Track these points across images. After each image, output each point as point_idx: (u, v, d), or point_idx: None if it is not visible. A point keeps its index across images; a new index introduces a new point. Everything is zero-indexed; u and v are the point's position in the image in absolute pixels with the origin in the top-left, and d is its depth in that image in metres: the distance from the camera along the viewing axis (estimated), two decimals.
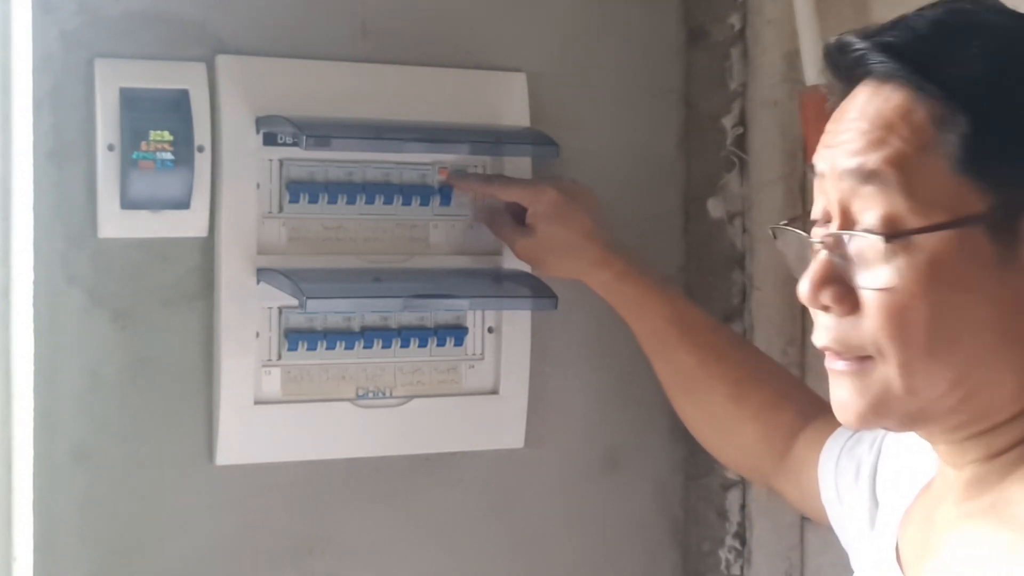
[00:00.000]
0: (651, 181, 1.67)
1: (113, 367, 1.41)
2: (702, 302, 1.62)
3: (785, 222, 1.06)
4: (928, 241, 0.94)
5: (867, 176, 0.96)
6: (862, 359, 0.98)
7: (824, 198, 1.00)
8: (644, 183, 1.66)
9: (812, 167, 1.02)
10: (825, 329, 1.00)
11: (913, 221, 0.95)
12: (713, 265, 1.67)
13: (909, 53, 0.96)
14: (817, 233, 1.00)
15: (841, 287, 0.98)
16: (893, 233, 0.95)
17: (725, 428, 1.47)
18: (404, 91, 1.50)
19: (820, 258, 0.99)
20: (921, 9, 1.00)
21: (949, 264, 0.95)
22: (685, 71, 1.68)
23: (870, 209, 0.96)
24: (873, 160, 0.96)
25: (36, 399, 1.38)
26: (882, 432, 1.24)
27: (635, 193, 1.65)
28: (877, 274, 0.96)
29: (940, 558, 1.01)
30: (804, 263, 1.02)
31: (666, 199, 1.68)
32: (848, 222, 0.98)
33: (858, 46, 0.98)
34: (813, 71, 1.51)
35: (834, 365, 1.00)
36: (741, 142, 1.65)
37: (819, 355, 1.03)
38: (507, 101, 1.55)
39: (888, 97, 0.97)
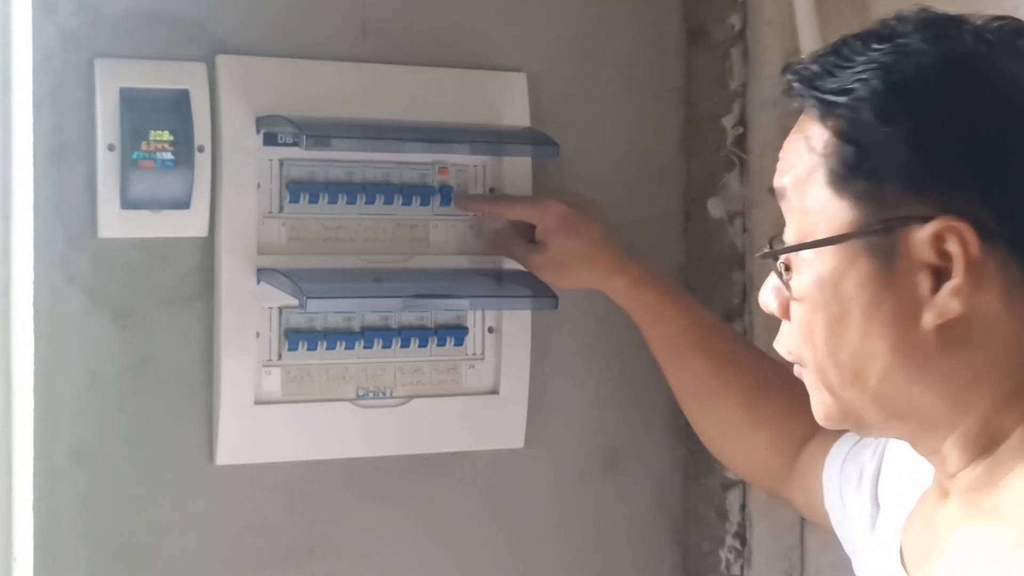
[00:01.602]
0: (651, 181, 1.67)
1: (113, 367, 1.41)
2: (702, 302, 1.62)
3: (767, 250, 1.11)
4: (817, 256, 1.02)
5: (779, 196, 1.05)
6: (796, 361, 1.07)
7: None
8: (644, 183, 1.66)
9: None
10: (778, 334, 1.08)
11: (808, 238, 1.02)
12: (713, 265, 1.67)
13: (815, 82, 1.02)
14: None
15: (782, 297, 1.06)
16: (773, 251, 1.04)
17: (737, 435, 1.47)
18: (404, 91, 1.50)
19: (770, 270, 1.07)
20: (853, 33, 1.04)
21: (833, 277, 1.01)
22: (685, 71, 1.68)
23: (787, 226, 1.05)
24: (783, 181, 1.04)
25: (36, 399, 1.38)
26: (884, 439, 1.25)
27: (635, 193, 1.65)
28: (788, 286, 1.04)
29: (945, 559, 1.01)
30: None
31: (666, 199, 1.68)
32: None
33: (789, 76, 1.04)
34: None
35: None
36: (741, 142, 1.65)
37: None
38: (507, 101, 1.55)
39: (802, 122, 1.04)
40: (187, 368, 1.44)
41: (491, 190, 1.55)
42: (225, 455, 1.44)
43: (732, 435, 1.48)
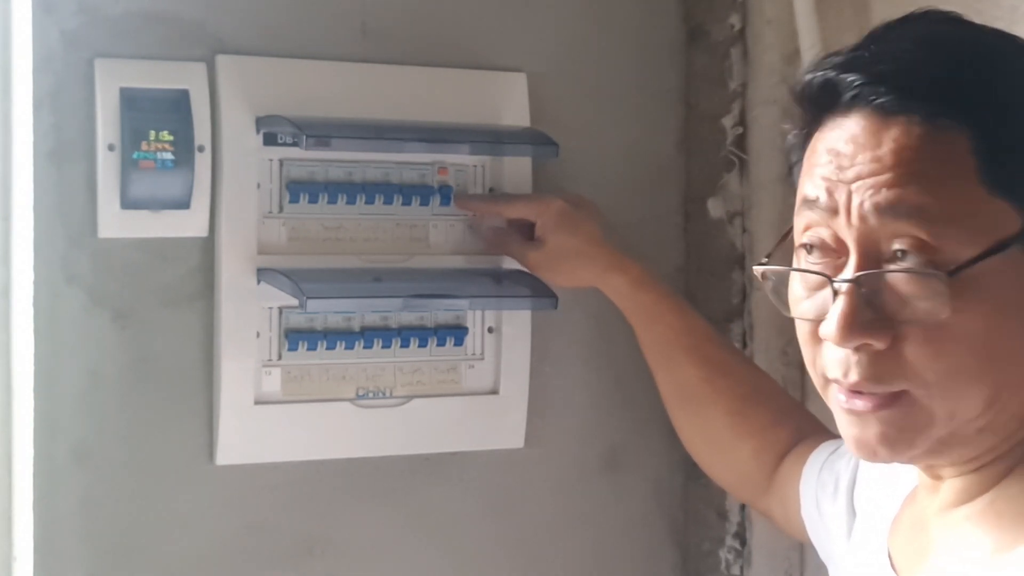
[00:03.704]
0: (651, 181, 1.67)
1: (113, 367, 1.41)
2: (702, 302, 1.62)
3: (765, 260, 1.04)
4: (974, 270, 0.93)
5: (904, 210, 0.93)
6: (895, 393, 0.96)
7: (826, 231, 0.97)
8: (644, 183, 1.66)
9: (805, 199, 0.99)
10: (856, 365, 0.96)
11: (957, 250, 0.93)
12: (713, 265, 1.67)
13: (913, 83, 0.94)
14: (822, 270, 0.98)
15: (877, 323, 0.95)
16: (946, 268, 0.92)
17: (722, 444, 1.47)
18: (404, 91, 1.50)
19: (846, 298, 0.95)
20: (888, 33, 0.99)
21: (992, 289, 0.94)
22: (685, 71, 1.68)
23: (908, 242, 0.94)
24: (910, 193, 0.93)
25: (36, 399, 1.38)
26: None
27: (635, 193, 1.65)
28: (923, 307, 0.93)
29: (936, 561, 1.01)
30: (779, 296, 1.02)
31: (666, 199, 1.68)
32: (873, 256, 0.95)
33: (855, 81, 0.96)
34: None
35: (858, 403, 0.97)
36: (741, 142, 1.65)
37: None
38: (507, 101, 1.55)
39: (905, 129, 0.94)
40: (187, 368, 1.44)
41: (491, 190, 1.55)
42: (225, 455, 1.44)
43: (716, 443, 1.48)
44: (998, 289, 0.94)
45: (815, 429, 1.44)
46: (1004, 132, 0.93)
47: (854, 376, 0.96)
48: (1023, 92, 0.95)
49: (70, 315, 1.39)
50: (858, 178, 0.95)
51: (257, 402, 1.45)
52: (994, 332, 0.94)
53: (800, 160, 1.02)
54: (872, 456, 0.99)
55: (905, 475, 1.11)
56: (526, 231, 1.51)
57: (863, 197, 0.95)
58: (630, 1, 1.65)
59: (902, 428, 0.96)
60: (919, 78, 0.95)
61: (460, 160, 1.53)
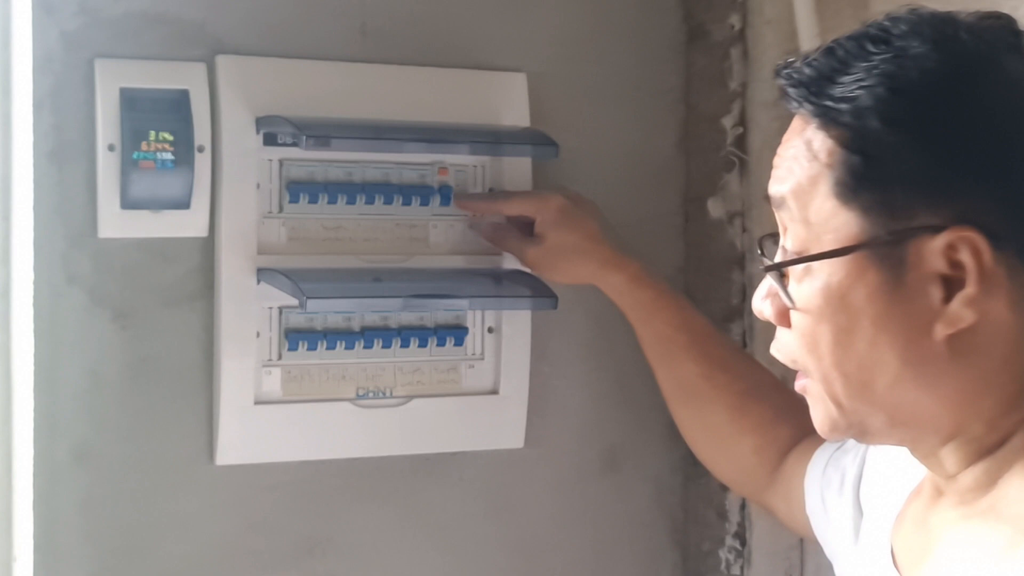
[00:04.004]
0: (651, 181, 1.67)
1: (113, 367, 1.41)
2: (702, 302, 1.62)
3: (760, 250, 1.10)
4: (823, 267, 0.99)
5: (778, 204, 1.03)
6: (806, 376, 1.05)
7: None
8: (644, 183, 1.66)
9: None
10: (774, 340, 1.06)
11: (812, 248, 1.00)
12: (713, 265, 1.68)
13: (812, 88, 1.00)
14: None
15: (779, 305, 1.04)
16: (778, 263, 1.02)
17: (723, 440, 1.47)
18: (404, 91, 1.50)
19: (765, 277, 1.05)
20: (852, 33, 1.02)
21: (841, 289, 0.99)
22: (685, 71, 1.68)
23: (787, 235, 1.02)
24: (782, 189, 1.02)
25: (36, 399, 1.38)
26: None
27: (635, 193, 1.65)
28: (790, 295, 1.02)
29: (939, 559, 1.01)
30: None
31: (666, 199, 1.69)
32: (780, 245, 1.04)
33: (782, 80, 1.02)
34: None
35: (797, 383, 1.07)
36: (741, 142, 1.65)
37: None
38: (507, 101, 1.55)
39: (801, 128, 1.01)
40: (187, 368, 1.44)
41: (490, 190, 1.55)
42: (225, 455, 1.45)
43: (718, 439, 1.48)
44: (847, 291, 0.99)
45: None
46: (863, 148, 0.97)
47: (772, 348, 1.07)
48: (896, 111, 0.97)
49: (70, 315, 1.39)
50: (773, 171, 1.04)
51: (257, 402, 1.45)
52: (847, 330, 1.00)
53: None
54: (819, 431, 1.07)
55: (911, 471, 1.11)
56: (525, 228, 1.51)
57: (769, 188, 1.04)
58: (630, 1, 1.65)
59: (818, 409, 1.05)
60: (812, 82, 1.00)
61: (460, 160, 1.53)
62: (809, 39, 1.53)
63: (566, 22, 1.61)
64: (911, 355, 0.98)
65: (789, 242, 1.02)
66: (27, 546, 1.39)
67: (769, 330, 1.61)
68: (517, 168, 1.54)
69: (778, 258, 1.04)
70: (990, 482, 1.00)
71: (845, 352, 1.00)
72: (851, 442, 1.30)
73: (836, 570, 1.25)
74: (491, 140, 1.51)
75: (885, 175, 0.97)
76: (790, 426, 1.43)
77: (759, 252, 1.07)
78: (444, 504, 1.56)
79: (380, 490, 1.53)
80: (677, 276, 1.68)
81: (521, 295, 1.52)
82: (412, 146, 1.48)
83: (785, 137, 1.03)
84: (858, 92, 0.97)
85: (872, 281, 0.98)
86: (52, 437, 1.39)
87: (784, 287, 1.02)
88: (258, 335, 1.45)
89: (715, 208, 1.67)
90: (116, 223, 1.39)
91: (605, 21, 1.63)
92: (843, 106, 0.97)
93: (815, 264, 1.00)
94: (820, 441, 1.34)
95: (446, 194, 1.52)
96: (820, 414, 1.05)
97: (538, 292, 1.51)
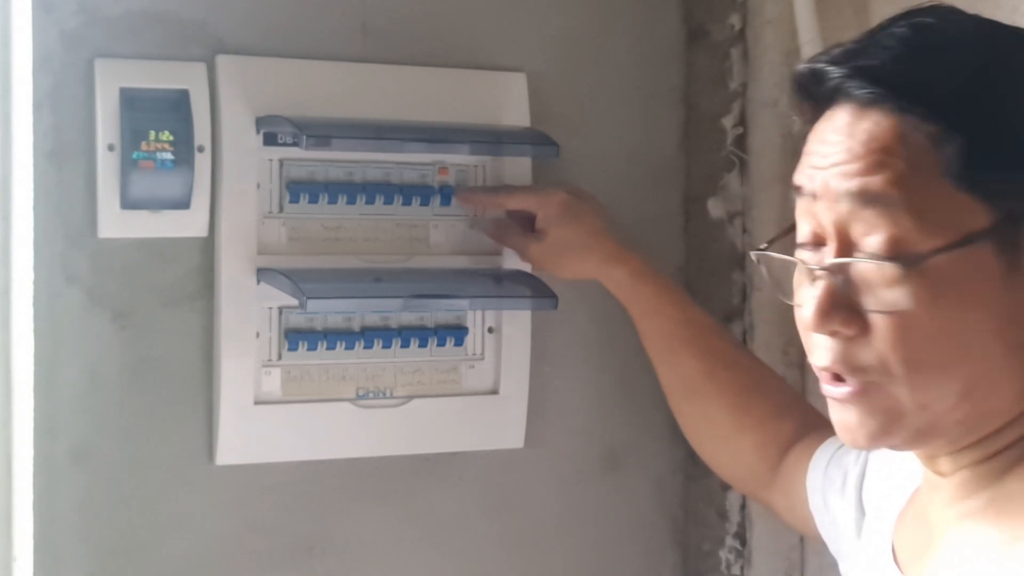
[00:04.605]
0: (651, 181, 1.67)
1: (113, 367, 1.41)
2: (702, 302, 1.62)
3: (764, 246, 1.06)
4: (937, 261, 0.94)
5: (870, 198, 0.96)
6: (869, 382, 0.98)
7: (812, 220, 1.00)
8: (644, 183, 1.66)
9: (796, 188, 1.01)
10: (828, 350, 0.99)
11: (920, 242, 0.94)
12: (713, 265, 1.67)
13: (889, 78, 0.96)
14: (809, 258, 1.00)
15: (847, 311, 0.97)
16: (908, 258, 0.94)
17: (725, 436, 1.47)
18: (404, 91, 1.50)
19: (823, 284, 0.98)
20: (886, 26, 1.00)
21: (957, 282, 0.95)
22: (685, 71, 1.68)
23: (874, 232, 0.96)
24: (876, 182, 0.95)
25: (36, 399, 1.38)
26: None
27: (635, 193, 1.65)
28: (887, 297, 0.96)
29: (940, 557, 1.02)
30: (780, 284, 1.04)
31: (666, 199, 1.68)
32: (847, 245, 0.97)
33: (835, 74, 0.98)
34: None
35: (836, 390, 0.99)
36: (741, 142, 1.65)
37: None
38: (507, 101, 1.55)
39: (878, 121, 0.96)
40: (187, 368, 1.44)
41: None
42: (225, 455, 1.44)
43: (719, 436, 1.48)
44: (964, 283, 0.95)
45: (819, 423, 1.43)
46: (972, 129, 0.94)
47: (827, 360, 0.99)
48: (996, 89, 0.96)
49: (70, 315, 1.39)
50: (834, 165, 0.97)
51: (257, 402, 1.45)
52: (958, 325, 0.95)
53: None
54: (854, 442, 1.01)
55: (912, 470, 1.11)
56: (527, 224, 1.51)
57: (837, 184, 0.97)
58: (630, 1, 1.65)
59: (876, 417, 0.98)
60: (892, 73, 0.96)
61: (460, 160, 1.53)
62: (809, 39, 1.53)
63: (566, 22, 1.61)
64: (1015, 341, 0.96)
65: (877, 239, 0.95)
66: (27, 546, 1.39)
67: (769, 330, 1.63)
68: (517, 168, 1.54)
69: (868, 255, 0.96)
70: (990, 479, 1.00)
71: (950, 347, 0.95)
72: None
73: (841, 568, 1.25)
74: (491, 140, 1.51)
75: (1000, 159, 0.94)
76: (791, 423, 1.43)
77: (796, 258, 1.00)
78: (444, 504, 1.56)
79: (380, 490, 1.53)
80: (678, 276, 1.68)
81: (521, 295, 1.52)
82: (413, 146, 1.48)
83: (832, 127, 0.98)
84: (956, 79, 0.95)
85: (990, 269, 0.95)
86: (51, 437, 1.39)
87: (872, 287, 0.96)
88: (258, 335, 1.45)
89: (715, 208, 1.67)
90: (116, 223, 1.39)
91: (605, 21, 1.63)
92: (943, 93, 0.95)
93: (936, 260, 0.94)
94: (821, 439, 1.35)
95: (447, 194, 1.52)
96: (875, 422, 0.98)
97: (538, 292, 1.51)
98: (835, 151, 0.98)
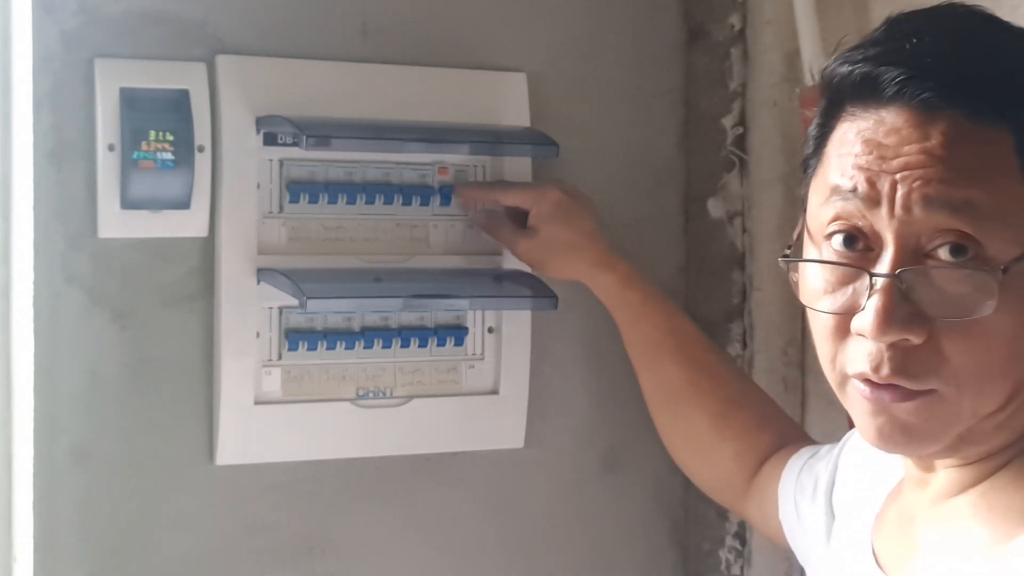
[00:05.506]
0: (651, 181, 1.67)
1: (113, 367, 1.41)
2: (702, 302, 1.62)
3: (787, 253, 1.02)
4: (1020, 268, 0.92)
5: (955, 204, 0.92)
6: (927, 388, 0.95)
7: (858, 221, 0.96)
8: (644, 183, 1.66)
9: (838, 188, 0.97)
10: (885, 360, 0.94)
11: (1005, 248, 0.92)
12: (713, 265, 1.67)
13: (955, 80, 0.93)
14: (845, 256, 0.96)
15: (910, 319, 0.93)
16: (994, 265, 0.92)
17: (704, 445, 1.47)
18: (404, 91, 1.50)
19: (885, 291, 0.93)
20: (926, 25, 0.97)
21: None
22: (685, 71, 1.68)
23: (955, 236, 0.93)
24: (960, 187, 0.92)
25: (36, 399, 1.38)
26: (839, 446, 1.25)
27: (635, 193, 1.65)
28: (966, 304, 0.93)
29: (925, 558, 1.01)
30: (809, 291, 0.99)
31: (666, 199, 1.68)
32: (914, 250, 0.94)
33: (899, 76, 0.94)
34: (813, 70, 1.51)
35: (882, 396, 0.95)
36: (741, 142, 1.65)
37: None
38: (507, 101, 1.55)
39: (952, 124, 0.93)
40: (187, 368, 1.44)
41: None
42: (225, 455, 1.45)
43: (698, 445, 1.48)
44: None
45: (797, 435, 1.44)
46: None
47: (886, 371, 0.94)
48: None
49: (70, 315, 1.39)
50: (905, 168, 0.93)
51: (257, 402, 1.45)
52: (1022, 330, 0.93)
53: (819, 151, 1.01)
54: (893, 447, 0.98)
55: (886, 473, 1.11)
56: (520, 219, 1.51)
57: (910, 188, 0.93)
58: (630, 1, 1.65)
59: (927, 422, 0.95)
60: (963, 74, 0.93)
61: (460, 160, 1.53)
62: (809, 39, 1.53)
63: (566, 22, 1.61)
64: None
65: (958, 245, 0.92)
66: (27, 546, 1.39)
67: (769, 330, 1.63)
68: (517, 168, 1.54)
69: (949, 263, 0.93)
70: (974, 479, 1.00)
71: (1013, 355, 0.93)
72: (825, 448, 1.31)
73: (808, 575, 1.25)
74: (491, 140, 1.51)
75: None
76: (770, 434, 1.43)
77: (847, 263, 0.96)
78: (444, 504, 1.56)
79: (380, 490, 1.53)
80: (678, 276, 1.68)
81: (521, 295, 1.52)
82: (413, 146, 1.48)
83: (893, 129, 0.94)
84: (1020, 76, 0.94)
85: None
86: (52, 437, 1.39)
87: (960, 294, 0.93)
88: (258, 335, 1.45)
89: (715, 208, 1.67)
90: (116, 223, 1.39)
91: (605, 21, 1.63)
92: (1013, 97, 0.93)
93: (1020, 265, 0.92)
94: (795, 450, 1.35)
95: (446, 194, 1.52)
96: (925, 429, 0.95)
97: (538, 292, 1.51)
98: (903, 153, 0.93)
